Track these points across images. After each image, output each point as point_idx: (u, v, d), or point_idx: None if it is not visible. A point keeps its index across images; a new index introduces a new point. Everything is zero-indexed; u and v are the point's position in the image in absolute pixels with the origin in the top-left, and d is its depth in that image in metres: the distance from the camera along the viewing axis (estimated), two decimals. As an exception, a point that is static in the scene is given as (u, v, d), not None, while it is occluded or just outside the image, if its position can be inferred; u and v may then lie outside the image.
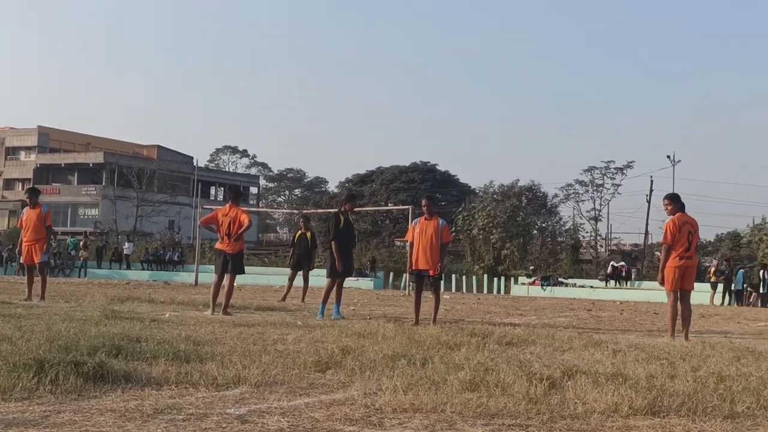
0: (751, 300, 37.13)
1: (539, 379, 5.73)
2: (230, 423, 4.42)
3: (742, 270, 38.63)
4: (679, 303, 11.74)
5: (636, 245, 72.09)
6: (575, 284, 45.11)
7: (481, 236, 52.73)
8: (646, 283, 43.11)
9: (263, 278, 39.14)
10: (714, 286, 37.63)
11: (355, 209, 17.09)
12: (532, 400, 5.20)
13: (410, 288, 22.05)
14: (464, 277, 46.22)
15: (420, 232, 13.09)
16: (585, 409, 5.02)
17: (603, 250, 72.81)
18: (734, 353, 8.51)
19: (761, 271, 37.52)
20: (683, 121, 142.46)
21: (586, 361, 7.47)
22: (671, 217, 11.89)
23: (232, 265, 13.80)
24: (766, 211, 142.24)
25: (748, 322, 18.88)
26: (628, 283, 45.28)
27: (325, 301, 13.80)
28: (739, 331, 14.88)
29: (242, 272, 14.18)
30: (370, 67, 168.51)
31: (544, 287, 42.79)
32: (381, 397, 5.17)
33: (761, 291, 36.83)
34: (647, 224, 65.34)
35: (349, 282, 33.83)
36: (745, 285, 37.55)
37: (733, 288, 37.56)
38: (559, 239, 67.23)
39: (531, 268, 50.90)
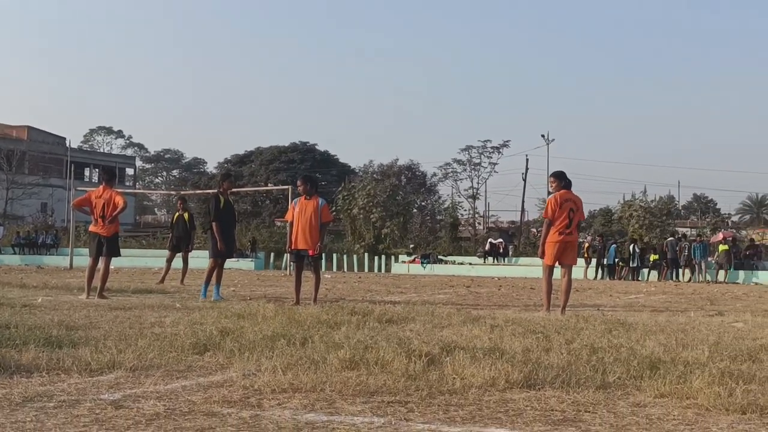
0: (622, 274, 38.36)
1: (418, 356, 5.77)
2: (104, 409, 4.30)
3: (613, 245, 39.85)
4: (562, 278, 12.01)
5: (513, 222, 73.69)
6: (454, 261, 45.76)
7: (361, 215, 52.89)
8: (523, 260, 44.09)
9: (141, 261, 38.37)
10: (587, 261, 38.76)
11: (235, 190, 16.89)
12: (411, 376, 5.23)
13: (291, 268, 21.97)
14: (345, 256, 46.31)
15: (300, 212, 13.04)
16: (463, 384, 5.08)
17: (481, 227, 74.09)
18: (606, 325, 8.75)
19: (631, 246, 38.82)
20: (557, 100, 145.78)
21: (465, 336, 7.56)
22: (555, 193, 12.15)
23: (107, 247, 13.49)
24: (636, 187, 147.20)
25: (620, 295, 19.51)
26: (506, 259, 46.16)
27: (207, 282, 13.65)
28: (611, 304, 15.34)
29: (118, 255, 13.88)
30: (247, 46, 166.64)
31: (424, 265, 43.27)
32: (260, 378, 5.12)
33: (632, 265, 38.12)
34: (523, 202, 66.87)
35: (230, 263, 33.53)
36: (616, 259, 38.75)
37: (605, 262, 38.73)
38: (438, 217, 68.16)
39: (411, 246, 51.41)
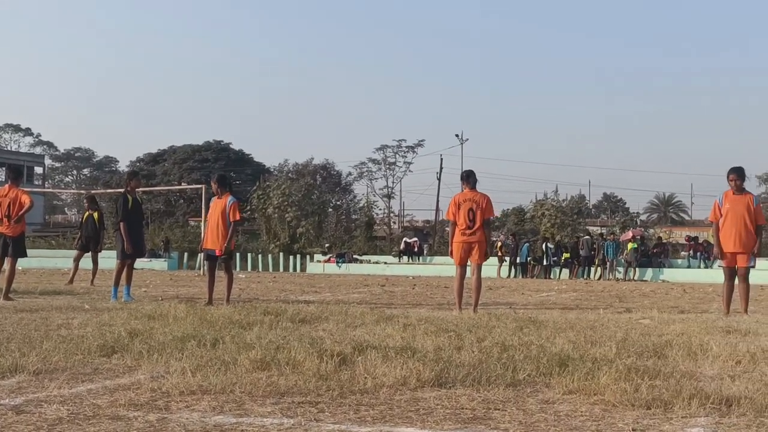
0: (535, 272, 38.89)
1: (330, 356, 5.74)
2: (4, 414, 4.17)
3: (526, 243, 40.39)
4: (471, 276, 12.09)
5: (428, 221, 74.13)
6: (369, 260, 45.79)
7: (276, 215, 52.57)
8: (437, 258, 44.32)
9: (50, 261, 37.51)
10: (500, 260, 39.19)
11: (148, 189, 16.63)
12: (322, 376, 5.20)
13: (204, 268, 21.71)
14: (260, 255, 45.98)
15: (211, 212, 12.95)
16: (374, 383, 5.07)
17: (396, 226, 74.33)
18: (518, 323, 8.85)
19: (543, 244, 39.42)
20: (472, 100, 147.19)
21: (378, 336, 7.56)
22: (456, 194, 12.27)
23: (12, 248, 13.16)
24: (548, 187, 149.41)
25: (532, 293, 19.78)
26: (420, 258, 46.39)
27: (116, 284, 13.40)
28: (523, 302, 15.53)
29: (24, 255, 13.55)
30: (162, 43, 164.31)
31: (339, 264, 43.22)
32: (168, 380, 5.03)
33: (544, 263, 38.70)
34: (438, 201, 67.28)
35: (142, 263, 33.02)
36: (529, 258, 39.28)
37: (518, 261, 39.23)
38: (353, 216, 68.12)
39: (326, 245, 51.28)
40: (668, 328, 8.53)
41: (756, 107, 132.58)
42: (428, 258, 46.62)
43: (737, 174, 11.86)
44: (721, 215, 11.91)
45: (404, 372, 5.27)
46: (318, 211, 56.00)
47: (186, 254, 44.40)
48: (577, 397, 4.85)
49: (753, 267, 11.90)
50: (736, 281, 11.91)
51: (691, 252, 40.06)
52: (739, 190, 11.87)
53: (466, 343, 6.92)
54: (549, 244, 39.52)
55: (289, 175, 66.53)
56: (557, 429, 4.07)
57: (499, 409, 4.49)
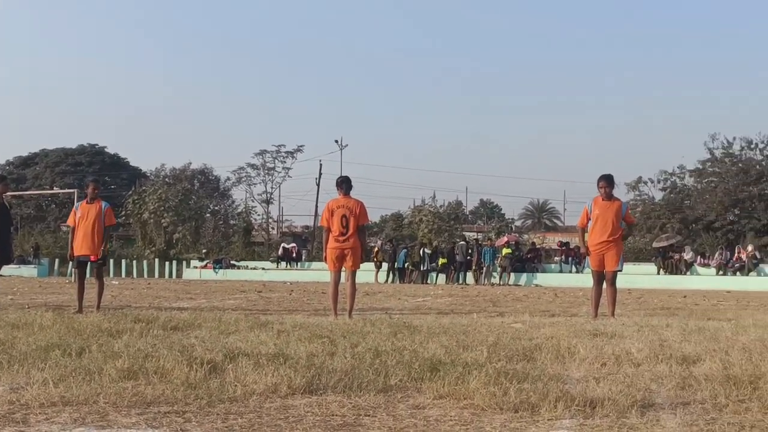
0: (412, 277, 39.24)
1: (200, 364, 5.63)
2: None
3: (404, 249, 40.73)
4: (346, 282, 12.09)
5: (307, 227, 73.89)
6: (247, 266, 45.44)
7: (152, 220, 51.69)
8: (316, 264, 44.27)
9: None
10: (378, 266, 39.41)
11: (17, 193, 16.05)
12: (191, 385, 5.09)
13: (75, 275, 21.11)
14: (135, 261, 45.07)
15: (81, 217, 12.59)
16: (244, 391, 4.99)
17: (275, 232, 73.90)
18: (392, 329, 8.87)
19: (421, 250, 39.82)
20: (351, 106, 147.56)
21: (251, 342, 7.45)
22: (329, 200, 12.31)
23: None
24: (426, 193, 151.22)
25: (408, 298, 19.92)
26: (299, 264, 46.28)
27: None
28: (399, 307, 15.63)
29: None
30: (33, 43, 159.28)
31: (216, 270, 42.70)
32: (28, 391, 4.83)
33: (422, 268, 39.09)
34: (317, 206, 67.08)
35: (10, 270, 31.87)
36: (406, 263, 39.62)
37: (395, 266, 39.51)
38: (231, 222, 67.41)
39: (203, 251, 50.62)
40: (538, 332, 8.69)
41: (624, 115, 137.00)
42: (306, 264, 46.54)
43: (606, 181, 12.20)
44: (590, 220, 12.25)
45: (275, 379, 5.21)
46: (195, 216, 55.30)
47: (57, 260, 43.15)
48: (447, 401, 4.88)
49: (620, 271, 12.26)
50: (604, 285, 12.24)
51: (563, 257, 41.15)
52: (609, 196, 12.21)
53: (339, 349, 6.89)
54: (426, 250, 39.96)
55: (166, 179, 65.33)
56: (426, 434, 4.09)
57: (369, 415, 4.47)
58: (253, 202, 71.13)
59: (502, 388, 4.94)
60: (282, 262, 45.85)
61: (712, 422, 4.34)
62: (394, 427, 4.20)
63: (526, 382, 5.33)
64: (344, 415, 4.45)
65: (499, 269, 38.37)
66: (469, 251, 38.64)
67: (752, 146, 64.05)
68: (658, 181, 65.50)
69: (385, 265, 39.81)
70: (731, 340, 7.71)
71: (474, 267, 38.30)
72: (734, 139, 64.36)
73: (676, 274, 38.18)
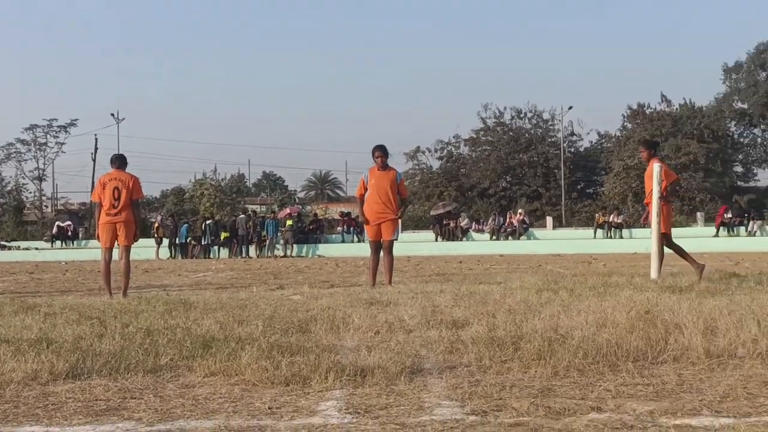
0: (194, 252, 38.65)
1: (-48, 354, 5.27)
2: None
3: (186, 224, 40.04)
4: (119, 260, 11.72)
5: (84, 204, 71.23)
6: (19, 247, 43.33)
7: None
8: (93, 242, 42.74)
9: None
10: (158, 241, 38.55)
11: None
12: (-59, 378, 4.75)
13: None
14: None
15: None
16: (1, 380, 4.71)
17: (49, 210, 70.80)
18: (167, 306, 8.64)
19: (203, 224, 39.26)
20: (129, 79, 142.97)
21: (15, 328, 7.04)
22: (101, 175, 11.93)
23: None
24: (208, 166, 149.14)
25: (189, 274, 19.60)
26: (75, 242, 44.59)
27: None
28: (178, 284, 15.34)
29: None
30: None
31: (-15, 252, 40.47)
32: None
33: (203, 242, 38.55)
34: (92, 182, 64.74)
35: None
36: (188, 238, 38.98)
37: (177, 242, 38.79)
38: (1, 201, 64.02)
39: (-30, 232, 47.84)
40: (316, 303, 8.71)
41: (405, 85, 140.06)
42: (84, 242, 44.92)
43: (381, 151, 12.39)
44: (367, 190, 12.42)
45: (36, 365, 4.94)
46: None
47: None
48: (218, 379, 4.79)
49: (396, 240, 12.51)
50: (382, 254, 12.46)
51: (345, 227, 41.72)
52: (384, 166, 12.41)
53: (109, 330, 6.63)
54: (209, 223, 39.43)
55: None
56: (194, 413, 3.99)
57: (135, 398, 4.32)
58: (24, 179, 67.86)
59: (274, 362, 4.90)
60: (57, 241, 44.01)
61: (476, 384, 4.48)
62: (161, 408, 4.07)
63: (299, 354, 5.31)
64: (109, 399, 4.28)
65: (282, 241, 38.40)
66: (250, 224, 38.42)
67: (522, 115, 67.15)
68: (435, 151, 67.58)
69: (166, 241, 38.98)
70: (498, 303, 8.01)
71: (254, 240, 38.12)
72: (505, 108, 67.26)
73: (453, 240, 39.54)
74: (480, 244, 37.63)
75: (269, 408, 4.06)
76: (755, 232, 38.03)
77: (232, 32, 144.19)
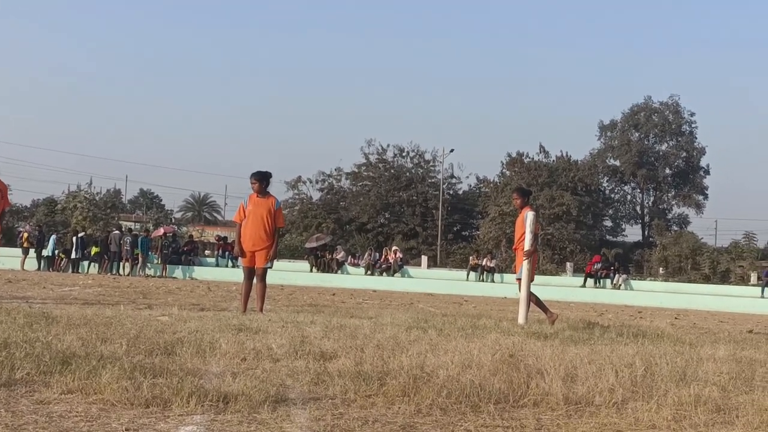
0: (62, 265, 37.55)
1: None
2: None
3: (54, 235, 38.91)
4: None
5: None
6: None
7: None
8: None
9: None
10: (25, 251, 37.30)
11: None
12: None
13: None
14: None
15: None
16: None
17: None
18: (28, 319, 8.38)
19: (74, 237, 38.18)
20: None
21: None
22: None
23: None
24: (82, 179, 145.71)
25: (54, 287, 19.02)
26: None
27: None
28: (42, 296, 14.87)
29: None
30: None
31: None
32: None
33: (73, 256, 37.48)
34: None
35: None
36: (57, 251, 37.88)
37: (45, 254, 37.63)
38: None
39: None
40: (184, 326, 8.57)
41: (291, 114, 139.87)
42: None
43: (257, 178, 12.33)
44: (245, 216, 12.32)
45: None
46: None
47: None
48: (75, 396, 4.66)
49: (270, 268, 12.43)
50: (255, 281, 12.36)
51: (220, 251, 41.27)
52: (263, 193, 12.34)
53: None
54: (79, 238, 38.38)
55: None
56: (47, 431, 3.87)
57: (-14, 412, 4.17)
58: None
59: (136, 382, 4.80)
60: None
61: (339, 417, 4.48)
62: (12, 424, 3.94)
63: (162, 376, 5.21)
64: (-43, 412, 4.12)
65: (154, 260, 37.70)
66: (122, 241, 37.52)
67: (404, 154, 67.95)
68: (317, 182, 67.67)
69: (32, 252, 37.73)
70: (368, 338, 8.05)
71: (126, 258, 37.26)
72: (388, 146, 67.97)
73: (328, 272, 39.53)
74: (354, 278, 37.70)
75: (126, 429, 3.98)
76: (620, 285, 39.26)
77: (121, 46, 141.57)
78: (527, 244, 11.94)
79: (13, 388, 4.81)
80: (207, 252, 45.22)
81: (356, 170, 67.65)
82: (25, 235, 38.34)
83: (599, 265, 40.78)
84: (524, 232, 12.05)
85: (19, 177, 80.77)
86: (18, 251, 37.14)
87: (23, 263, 36.31)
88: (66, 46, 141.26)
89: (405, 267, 43.08)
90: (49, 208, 58.82)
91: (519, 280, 12.16)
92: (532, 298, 12.20)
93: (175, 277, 35.51)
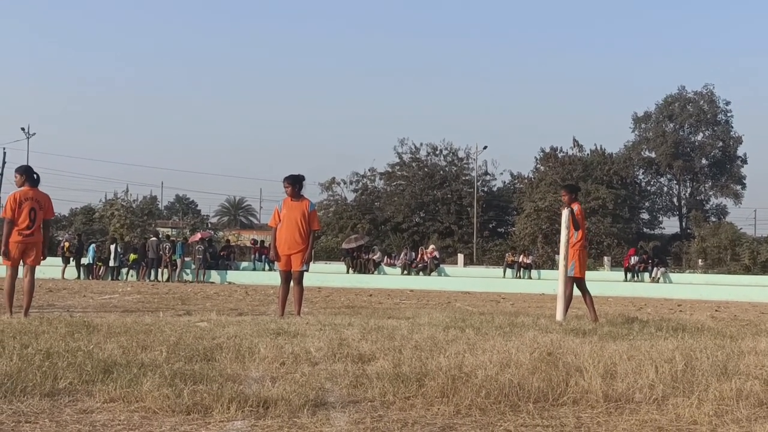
0: (100, 273, 37.86)
1: None
2: None
3: (93, 244, 39.27)
4: (24, 278, 11.44)
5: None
6: None
7: None
8: None
9: None
10: (66, 261, 37.69)
11: None
12: None
13: None
14: None
15: None
16: None
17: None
18: (70, 328, 8.48)
19: (112, 245, 38.50)
20: (39, 93, 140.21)
21: None
22: (16, 191, 11.56)
23: None
24: (118, 186, 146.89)
25: (94, 296, 19.21)
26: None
27: None
28: (83, 305, 15.03)
29: None
30: None
31: None
32: None
33: (111, 264, 37.79)
34: (0, 197, 63.18)
35: None
36: (96, 259, 38.22)
37: (84, 262, 37.97)
38: None
39: None
40: (223, 331, 8.64)
41: (322, 116, 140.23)
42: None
43: (289, 181, 12.36)
44: (280, 220, 12.36)
45: None
46: None
47: None
48: (117, 405, 4.71)
49: (306, 271, 12.47)
50: (292, 284, 12.41)
51: (257, 255, 41.42)
52: (296, 196, 12.37)
53: (6, 350, 6.47)
54: (117, 245, 38.72)
55: None
56: (91, 440, 3.93)
57: (30, 422, 4.23)
58: None
59: (177, 389, 4.85)
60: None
61: (378, 419, 4.50)
62: (56, 434, 4.00)
63: (202, 383, 5.26)
64: (2, 423, 4.18)
65: (192, 266, 37.95)
66: (160, 247, 37.82)
67: (437, 152, 67.82)
68: (351, 183, 67.73)
69: (73, 261, 38.12)
70: (406, 339, 8.06)
71: (164, 263, 37.53)
72: (421, 144, 67.86)
73: (364, 273, 39.57)
74: (391, 278, 37.70)
75: (168, 437, 4.02)
76: (659, 278, 38.95)
77: (155, 56, 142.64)
78: (563, 241, 11.88)
79: (57, 397, 4.87)
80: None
81: (390, 170, 67.63)
82: (67, 244, 38.73)
83: (636, 258, 40.45)
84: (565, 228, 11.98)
85: (58, 186, 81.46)
86: (58, 260, 37.53)
87: (63, 272, 36.72)
88: (103, 58, 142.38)
89: (441, 266, 43.02)
90: (87, 217, 59.39)
91: (570, 278, 12.08)
92: (586, 299, 12.18)
93: (212, 282, 35.72)
